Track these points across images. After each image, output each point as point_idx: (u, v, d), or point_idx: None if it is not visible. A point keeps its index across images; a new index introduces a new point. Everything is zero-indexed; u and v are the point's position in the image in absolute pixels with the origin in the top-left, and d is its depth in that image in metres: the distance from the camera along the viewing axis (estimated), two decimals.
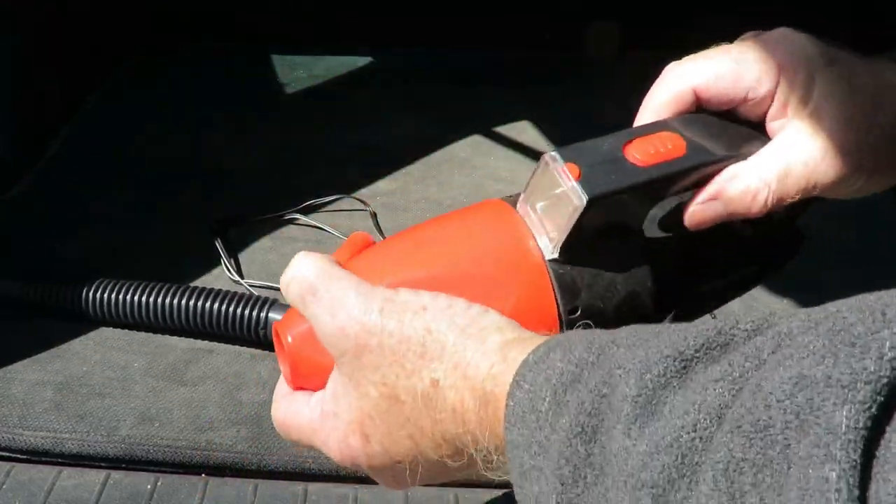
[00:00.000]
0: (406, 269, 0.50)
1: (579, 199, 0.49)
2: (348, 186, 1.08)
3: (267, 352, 0.80)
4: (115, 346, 0.80)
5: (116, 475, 0.68)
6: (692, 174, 0.52)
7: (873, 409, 0.29)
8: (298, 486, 0.68)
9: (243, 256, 0.94)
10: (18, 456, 0.69)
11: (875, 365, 0.29)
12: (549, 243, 0.51)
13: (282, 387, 0.51)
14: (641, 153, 0.51)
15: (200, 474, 0.68)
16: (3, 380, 0.75)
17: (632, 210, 0.53)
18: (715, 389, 0.33)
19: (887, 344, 0.29)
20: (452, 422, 0.44)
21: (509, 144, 1.25)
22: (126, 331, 0.82)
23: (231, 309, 0.79)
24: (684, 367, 0.35)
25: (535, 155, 1.23)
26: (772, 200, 0.51)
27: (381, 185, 1.11)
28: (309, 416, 0.49)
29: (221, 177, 1.12)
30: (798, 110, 0.51)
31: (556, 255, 0.51)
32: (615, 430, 0.35)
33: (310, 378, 0.50)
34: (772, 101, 0.51)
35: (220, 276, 0.91)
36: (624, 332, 0.40)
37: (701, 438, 0.33)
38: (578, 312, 0.52)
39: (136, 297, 0.80)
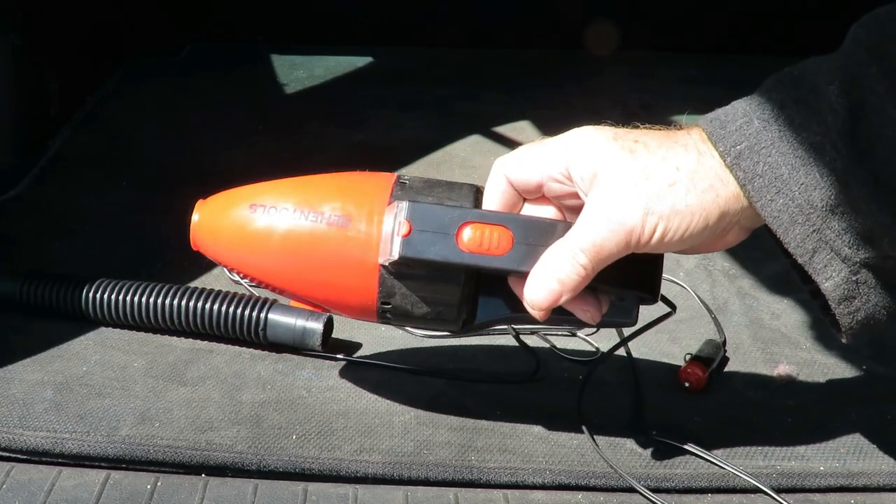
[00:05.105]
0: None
1: (395, 252, 0.59)
2: None
3: (267, 352, 0.81)
4: (115, 346, 0.80)
5: (116, 475, 0.68)
6: (508, 273, 0.60)
7: None
8: (298, 486, 0.68)
9: None
10: (18, 456, 0.69)
11: None
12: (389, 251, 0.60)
13: None
14: (469, 239, 0.58)
15: (200, 474, 0.68)
16: (3, 380, 0.75)
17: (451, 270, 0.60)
18: None
19: None
20: None
21: (509, 144, 1.25)
22: (126, 331, 0.82)
23: (231, 310, 0.79)
24: None
25: None
26: (564, 290, 0.57)
27: None
28: None
29: (221, 177, 1.11)
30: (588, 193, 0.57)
31: (386, 265, 0.60)
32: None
33: None
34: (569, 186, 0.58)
35: (220, 277, 0.91)
36: None
37: None
38: (389, 307, 0.62)
39: (136, 298, 0.80)
